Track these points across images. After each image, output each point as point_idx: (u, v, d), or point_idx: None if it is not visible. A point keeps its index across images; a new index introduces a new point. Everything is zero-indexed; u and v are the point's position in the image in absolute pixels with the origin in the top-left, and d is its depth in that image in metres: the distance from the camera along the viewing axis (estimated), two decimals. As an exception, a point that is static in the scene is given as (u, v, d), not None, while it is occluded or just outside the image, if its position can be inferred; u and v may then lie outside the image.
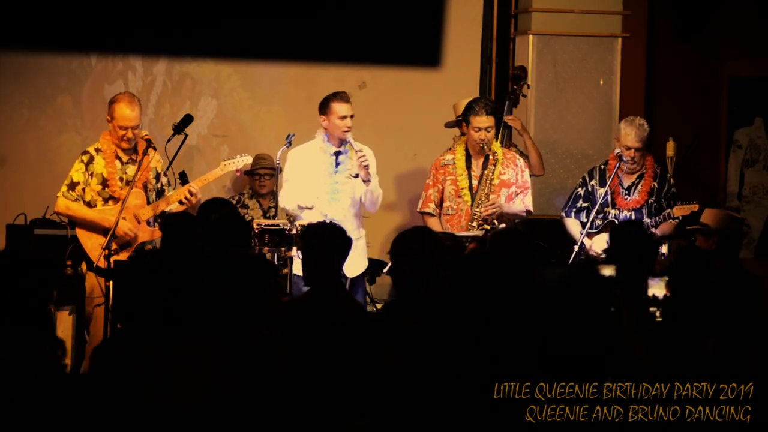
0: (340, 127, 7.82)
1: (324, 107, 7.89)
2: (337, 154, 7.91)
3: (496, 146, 8.02)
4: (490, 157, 7.98)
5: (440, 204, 8.10)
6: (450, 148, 8.31)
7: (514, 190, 8.03)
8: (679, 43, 10.14)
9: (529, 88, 8.95)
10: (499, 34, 10.08)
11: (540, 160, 8.76)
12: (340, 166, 7.89)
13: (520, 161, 8.17)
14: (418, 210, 8.18)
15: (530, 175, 8.79)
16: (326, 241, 5.80)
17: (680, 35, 10.14)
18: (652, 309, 5.66)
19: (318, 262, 5.79)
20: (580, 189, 8.38)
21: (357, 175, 7.80)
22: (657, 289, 5.72)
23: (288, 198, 7.84)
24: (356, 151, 7.78)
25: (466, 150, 8.07)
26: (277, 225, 7.39)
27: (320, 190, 7.86)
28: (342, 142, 7.89)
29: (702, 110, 10.12)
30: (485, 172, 7.98)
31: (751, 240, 10.02)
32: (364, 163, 7.75)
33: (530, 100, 9.48)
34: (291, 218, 7.44)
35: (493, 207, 7.87)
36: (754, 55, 10.01)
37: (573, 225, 8.33)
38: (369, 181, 7.79)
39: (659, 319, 5.62)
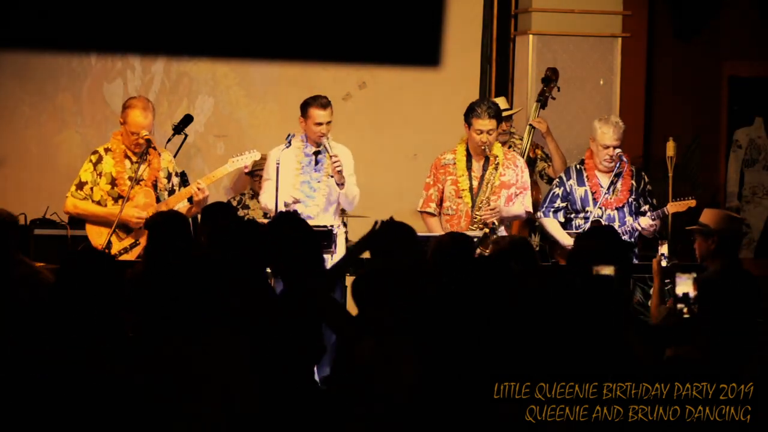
0: (316, 132, 7.89)
1: (303, 110, 7.94)
2: (316, 153, 7.96)
3: (497, 149, 8.00)
4: (491, 158, 7.98)
5: (440, 203, 8.10)
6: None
7: (514, 191, 8.03)
8: (679, 43, 10.14)
9: (559, 90, 8.94)
10: (499, 34, 10.08)
11: (564, 164, 8.74)
12: (319, 165, 7.94)
13: (521, 161, 8.15)
14: (418, 209, 8.16)
15: (553, 180, 8.79)
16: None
17: (680, 35, 10.13)
18: (680, 306, 5.65)
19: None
20: (557, 189, 8.34)
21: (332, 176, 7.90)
22: (685, 286, 5.70)
23: (270, 198, 7.84)
24: (331, 156, 7.82)
25: (467, 150, 8.06)
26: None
27: (296, 188, 7.90)
28: (319, 143, 7.93)
29: (702, 110, 10.13)
30: (486, 174, 7.98)
31: (751, 240, 10.03)
32: (338, 168, 7.81)
33: (530, 100, 9.48)
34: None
35: (494, 212, 7.87)
36: (754, 55, 10.02)
37: (551, 224, 8.30)
38: (342, 185, 7.86)
39: (686, 316, 5.61)
